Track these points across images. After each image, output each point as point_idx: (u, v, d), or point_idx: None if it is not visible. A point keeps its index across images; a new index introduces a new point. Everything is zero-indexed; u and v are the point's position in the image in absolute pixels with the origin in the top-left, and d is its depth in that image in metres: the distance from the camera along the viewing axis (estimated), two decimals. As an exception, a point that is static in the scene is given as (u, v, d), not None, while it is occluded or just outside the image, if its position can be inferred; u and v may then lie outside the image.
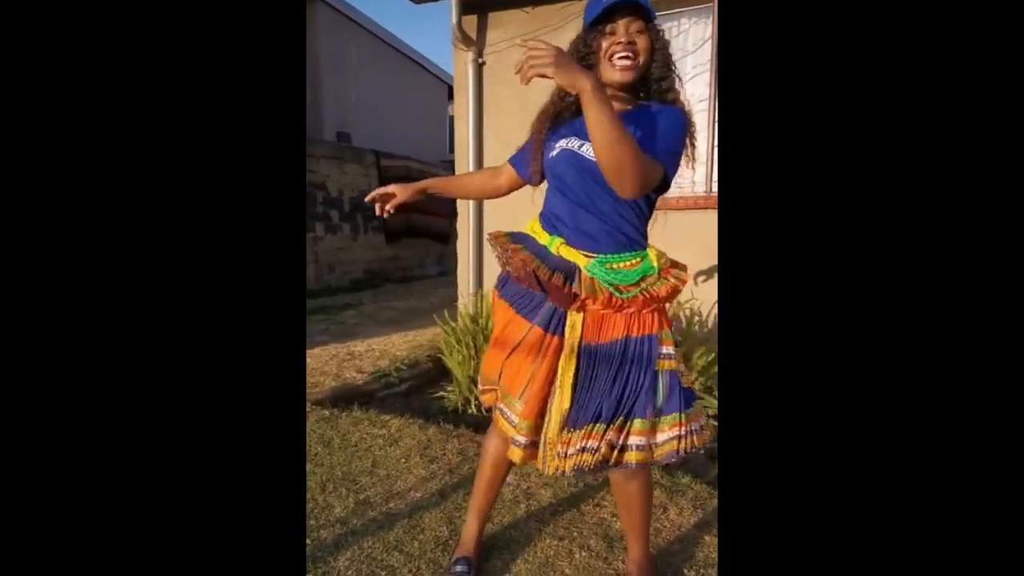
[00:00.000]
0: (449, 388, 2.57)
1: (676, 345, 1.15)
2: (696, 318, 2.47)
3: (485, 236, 1.29)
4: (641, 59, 1.08)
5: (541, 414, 1.15)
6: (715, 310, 2.52)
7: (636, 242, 1.13)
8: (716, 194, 2.60)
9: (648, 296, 1.08)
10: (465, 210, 3.33)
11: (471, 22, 3.04)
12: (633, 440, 1.08)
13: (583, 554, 1.43)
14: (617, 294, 1.07)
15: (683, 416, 1.09)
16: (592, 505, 1.67)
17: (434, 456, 1.98)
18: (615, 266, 1.10)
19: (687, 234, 2.56)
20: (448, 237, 7.92)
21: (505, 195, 1.36)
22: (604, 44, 1.09)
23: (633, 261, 1.11)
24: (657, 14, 2.77)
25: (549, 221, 1.18)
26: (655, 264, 1.12)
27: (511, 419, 1.18)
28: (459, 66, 3.12)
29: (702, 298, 2.50)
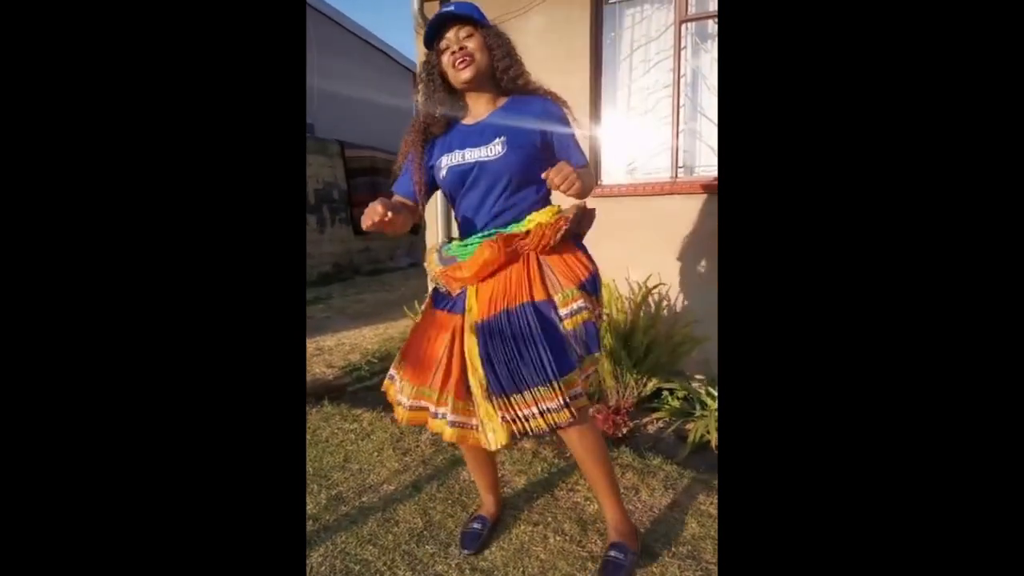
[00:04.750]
0: (421, 380, 2.55)
1: (589, 295, 1.22)
2: (664, 302, 2.51)
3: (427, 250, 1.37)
4: (477, 57, 1.20)
5: (459, 394, 1.20)
6: (683, 292, 2.56)
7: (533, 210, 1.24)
8: (680, 180, 2.63)
9: (504, 237, 1.19)
10: (434, 200, 3.30)
11: (433, 8, 2.99)
12: (545, 405, 1.14)
13: (557, 538, 1.45)
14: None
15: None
16: (565, 490, 1.69)
17: (407, 448, 1.97)
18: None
19: (652, 219, 2.59)
20: (418, 228, 7.84)
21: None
22: (444, 59, 1.22)
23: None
24: (620, 1, 2.73)
25: (463, 229, 1.29)
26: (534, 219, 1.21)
27: (444, 416, 1.24)
28: (422, 53, 3.08)
29: (670, 282, 2.53)
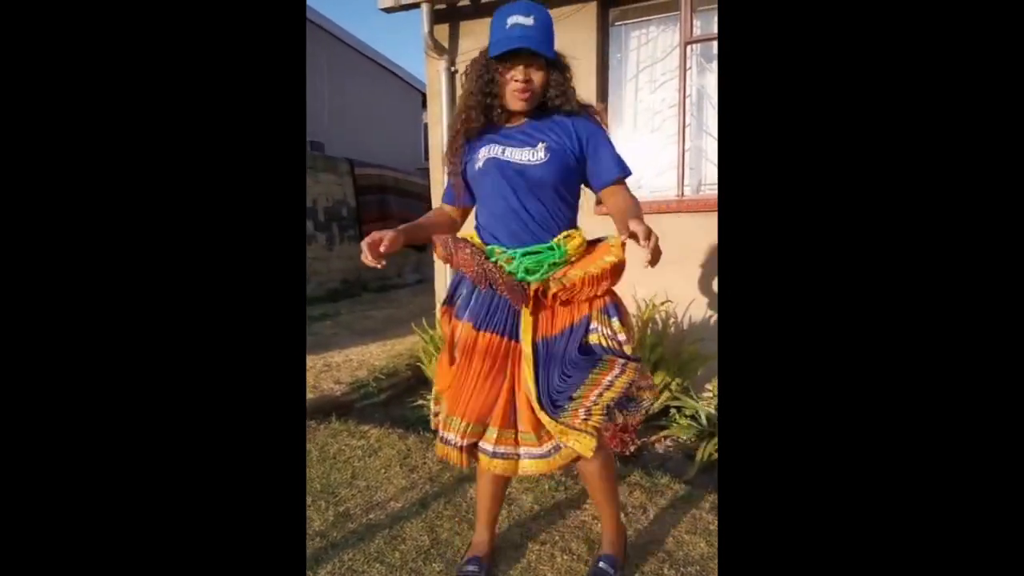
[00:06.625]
0: (428, 396, 2.56)
1: (624, 324, 1.25)
2: (671, 320, 2.51)
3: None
4: (538, 91, 1.21)
5: (505, 422, 1.22)
6: (690, 310, 2.56)
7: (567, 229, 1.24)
8: (686, 198, 2.65)
9: (564, 287, 1.17)
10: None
11: (443, 31, 3.05)
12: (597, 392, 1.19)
13: (565, 557, 1.44)
14: (525, 276, 1.18)
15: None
16: (573, 509, 1.68)
17: (414, 465, 1.97)
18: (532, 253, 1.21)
19: (659, 237, 2.60)
20: (425, 245, 7.84)
21: (462, 225, 1.40)
22: (507, 76, 1.19)
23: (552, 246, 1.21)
24: (626, 23, 2.77)
25: (484, 233, 1.27)
26: (564, 248, 1.21)
27: (487, 449, 1.24)
28: (432, 74, 3.13)
29: (677, 300, 2.54)
